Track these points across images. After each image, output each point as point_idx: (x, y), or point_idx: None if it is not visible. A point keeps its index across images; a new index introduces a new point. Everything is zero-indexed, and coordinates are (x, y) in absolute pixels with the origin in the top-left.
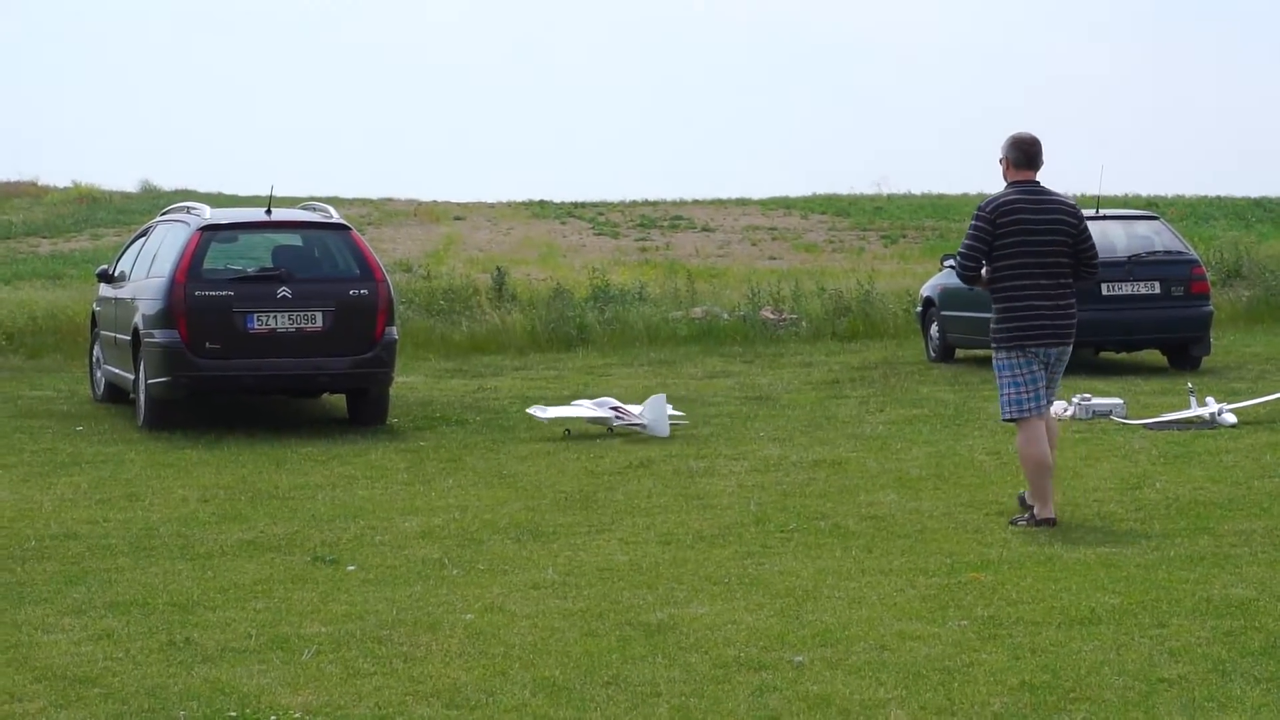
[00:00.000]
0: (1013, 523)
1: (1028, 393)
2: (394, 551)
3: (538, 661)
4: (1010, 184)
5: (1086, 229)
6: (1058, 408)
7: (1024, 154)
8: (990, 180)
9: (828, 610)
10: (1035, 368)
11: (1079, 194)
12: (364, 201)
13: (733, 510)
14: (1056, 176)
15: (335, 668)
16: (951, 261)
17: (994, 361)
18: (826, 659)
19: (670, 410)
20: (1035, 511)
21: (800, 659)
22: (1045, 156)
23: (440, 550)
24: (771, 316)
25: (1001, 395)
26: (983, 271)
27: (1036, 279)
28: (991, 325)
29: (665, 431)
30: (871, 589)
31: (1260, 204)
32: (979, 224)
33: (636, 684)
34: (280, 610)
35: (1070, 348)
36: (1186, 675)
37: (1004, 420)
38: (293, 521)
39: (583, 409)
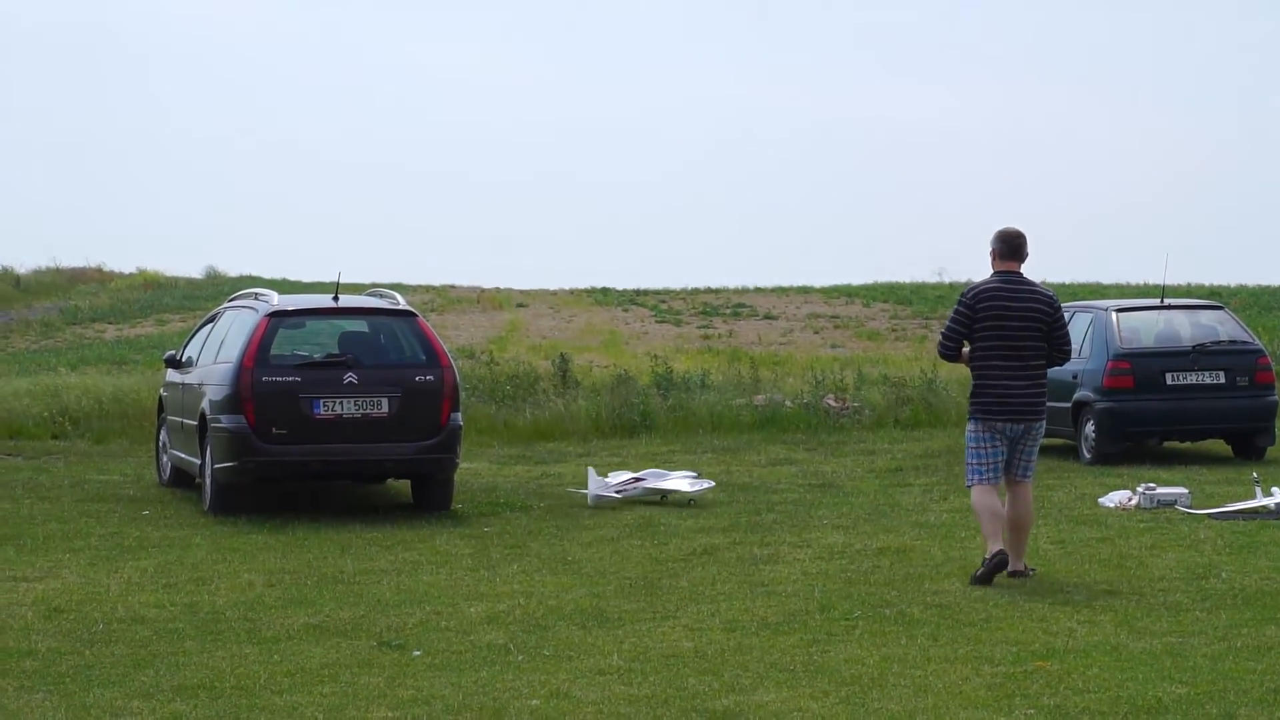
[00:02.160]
0: (1013, 573)
1: (987, 465)
2: (459, 637)
3: None
4: (995, 273)
5: (1061, 317)
6: (1121, 496)
7: (1008, 246)
8: (1056, 267)
9: (894, 699)
10: (998, 442)
11: (1142, 283)
12: (427, 288)
13: (797, 597)
14: (1118, 266)
15: None
16: None
17: (966, 433)
18: None
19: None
20: (985, 559)
21: None
22: (1028, 249)
23: (505, 636)
24: (834, 404)
25: (966, 464)
26: (964, 351)
27: (1008, 360)
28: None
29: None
30: (937, 677)
31: None
32: (960, 309)
33: None
34: (347, 695)
35: (1041, 424)
36: None
37: (967, 485)
38: (358, 606)
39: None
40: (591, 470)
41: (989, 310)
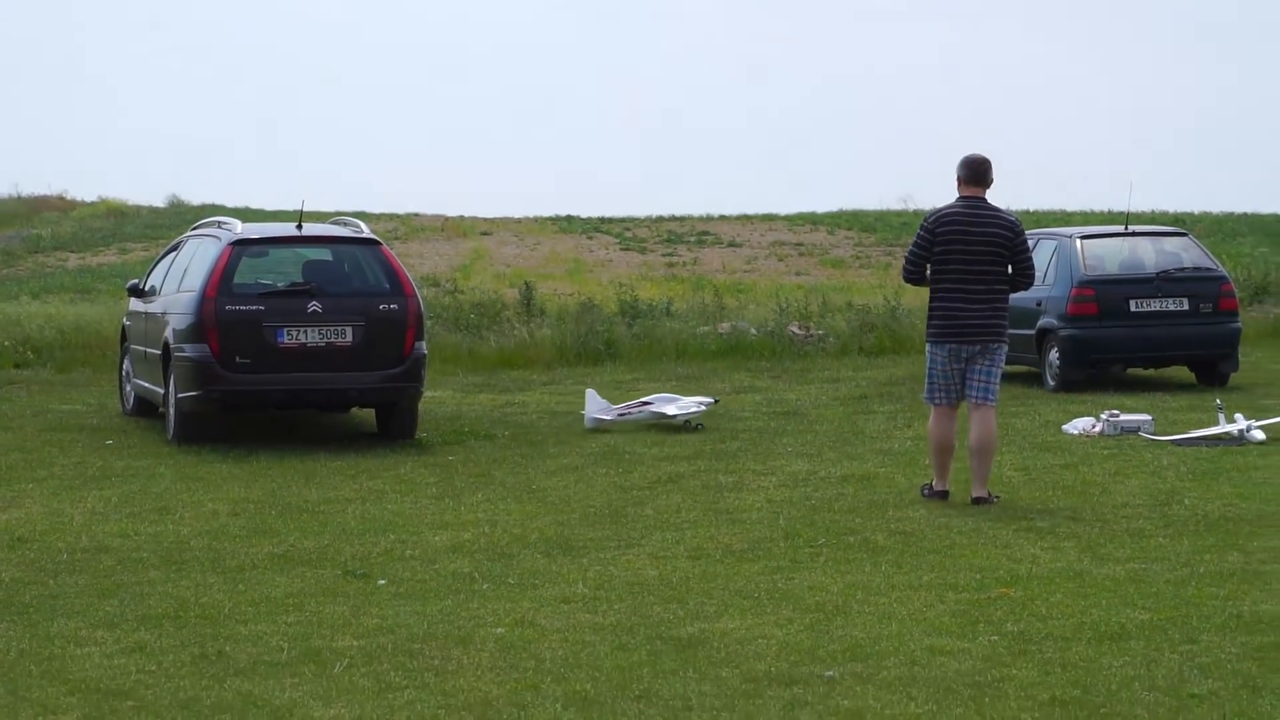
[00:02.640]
0: (976, 500)
1: (940, 385)
2: (424, 566)
3: (569, 676)
4: (958, 198)
5: (1023, 242)
6: (1085, 424)
7: (972, 172)
8: (1017, 194)
9: (858, 625)
10: (951, 364)
11: (1106, 210)
12: (391, 216)
13: (762, 525)
14: (1082, 193)
15: (367, 681)
16: None
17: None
18: (857, 674)
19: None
20: (933, 483)
21: (831, 674)
22: (992, 175)
23: (470, 564)
24: (798, 332)
25: (926, 382)
26: (927, 273)
27: (964, 283)
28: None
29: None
30: (901, 604)
31: None
32: (922, 233)
33: (668, 698)
34: (312, 624)
35: (998, 346)
36: (1217, 691)
37: (923, 400)
38: (323, 535)
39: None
40: (591, 392)
41: (948, 234)
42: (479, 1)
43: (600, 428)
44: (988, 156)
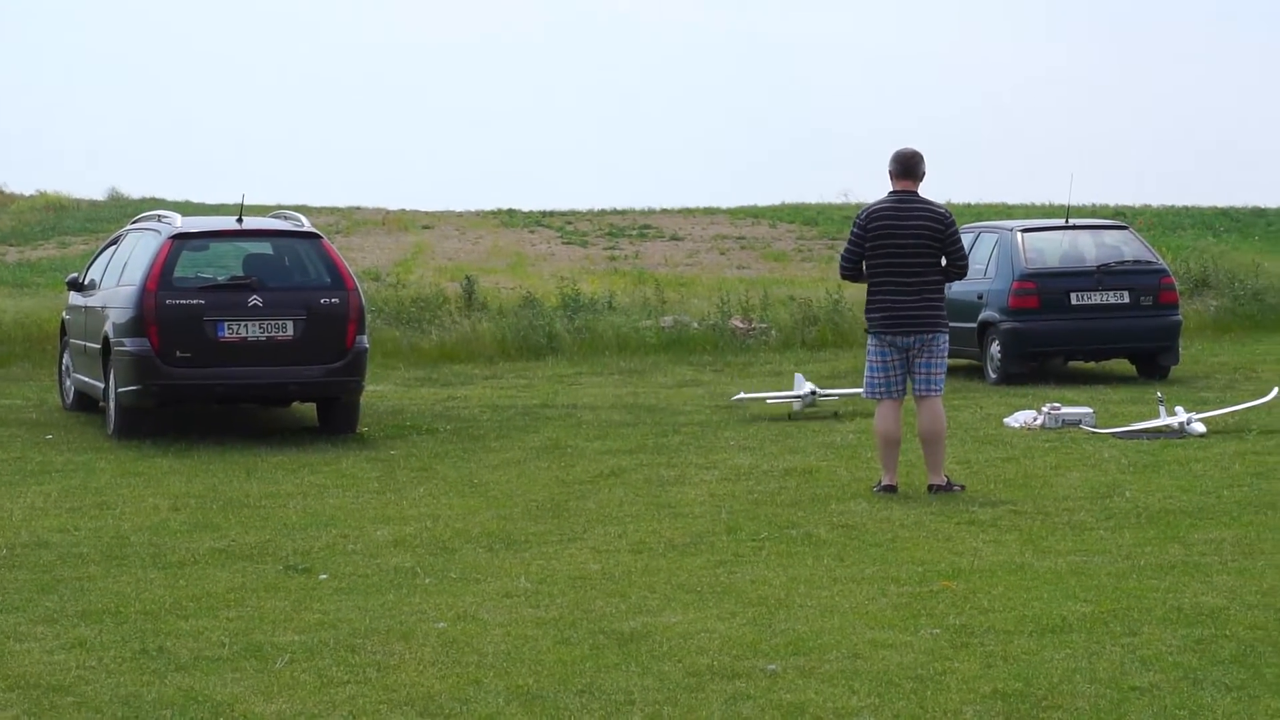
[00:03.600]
0: (932, 488)
1: (881, 378)
2: (366, 560)
3: (511, 670)
4: (889, 193)
5: (954, 233)
6: (1027, 416)
7: (902, 166)
8: (962, 188)
9: (800, 619)
10: (891, 356)
11: (1047, 203)
12: (332, 210)
13: (704, 519)
14: (1024, 186)
15: (309, 676)
16: None
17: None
18: (799, 667)
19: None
20: (881, 479)
21: (773, 667)
22: (923, 168)
23: (412, 559)
24: (741, 325)
25: (865, 377)
26: (863, 268)
27: (899, 276)
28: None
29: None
30: (844, 597)
31: (1227, 214)
32: (855, 230)
33: (610, 692)
34: (253, 619)
35: (936, 337)
36: (1158, 684)
37: (864, 396)
38: (264, 530)
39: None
40: (799, 375)
41: (880, 229)
42: None
43: (805, 414)
44: (918, 150)
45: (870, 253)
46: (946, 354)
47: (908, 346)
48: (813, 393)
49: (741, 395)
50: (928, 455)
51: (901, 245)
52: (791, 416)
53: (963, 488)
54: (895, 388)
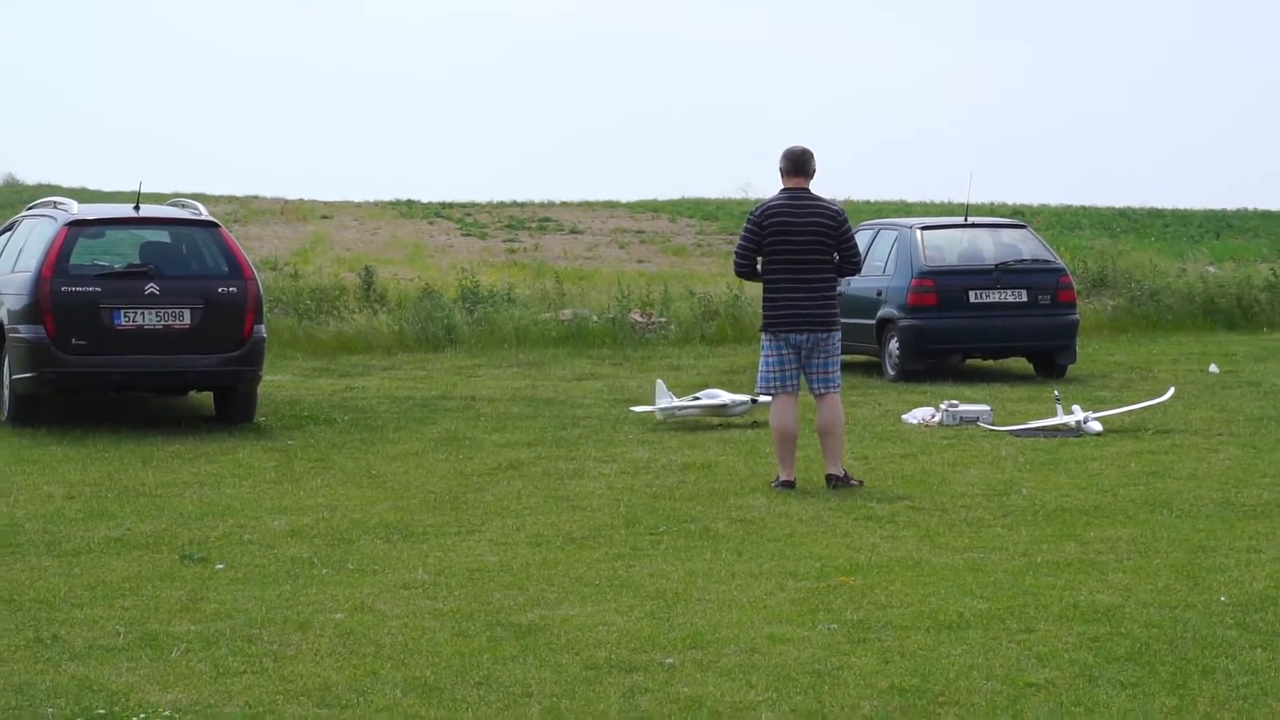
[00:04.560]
0: (830, 479)
1: (776, 372)
2: (263, 550)
3: (409, 661)
4: (781, 190)
5: (847, 230)
6: (925, 414)
7: (793, 163)
8: (848, 184)
9: (698, 613)
10: (785, 351)
11: (946, 201)
12: (230, 199)
13: (602, 512)
14: (923, 184)
15: (205, 666)
16: None
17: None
18: (697, 661)
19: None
20: (779, 475)
21: (671, 661)
22: (814, 165)
23: (310, 549)
24: (640, 319)
25: (759, 373)
26: (758, 266)
27: (794, 274)
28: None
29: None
30: (742, 592)
31: (1125, 214)
32: (749, 227)
33: (508, 685)
34: (149, 608)
35: (830, 336)
36: (1054, 680)
37: (757, 391)
38: (160, 519)
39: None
40: (660, 383)
41: (774, 226)
42: None
43: (669, 419)
44: (808, 147)
45: (766, 250)
46: (840, 350)
47: (801, 345)
48: (675, 406)
49: (637, 408)
50: (825, 446)
51: (796, 243)
52: (658, 425)
53: (861, 483)
54: (790, 382)
